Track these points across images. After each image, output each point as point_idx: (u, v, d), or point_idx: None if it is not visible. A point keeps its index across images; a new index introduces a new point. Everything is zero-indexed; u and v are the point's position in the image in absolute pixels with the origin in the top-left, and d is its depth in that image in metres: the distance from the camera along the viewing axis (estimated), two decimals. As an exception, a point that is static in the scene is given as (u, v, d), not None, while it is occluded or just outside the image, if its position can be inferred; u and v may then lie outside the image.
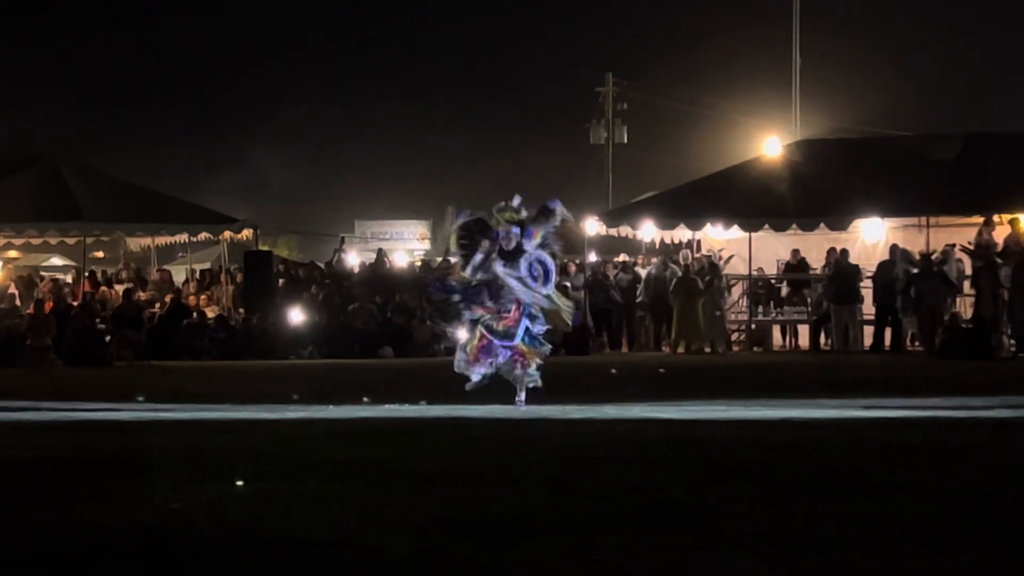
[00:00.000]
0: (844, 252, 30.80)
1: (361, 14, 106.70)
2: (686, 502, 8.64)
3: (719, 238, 33.64)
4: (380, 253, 37.74)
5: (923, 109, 69.40)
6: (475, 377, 15.60)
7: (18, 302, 31.32)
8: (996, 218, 29.94)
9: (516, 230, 15.32)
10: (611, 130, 59.72)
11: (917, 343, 30.38)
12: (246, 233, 35.16)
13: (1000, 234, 29.70)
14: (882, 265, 30.57)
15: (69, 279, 37.58)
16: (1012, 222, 29.85)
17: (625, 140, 60.51)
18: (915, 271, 29.48)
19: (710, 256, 32.85)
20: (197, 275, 36.85)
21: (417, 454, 11.25)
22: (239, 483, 9.31)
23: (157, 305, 33.16)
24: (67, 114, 75.89)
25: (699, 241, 34.04)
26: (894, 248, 30.66)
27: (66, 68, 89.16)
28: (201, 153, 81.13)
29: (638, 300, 32.85)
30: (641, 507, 8.48)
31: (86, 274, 34.96)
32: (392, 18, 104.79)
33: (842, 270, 30.62)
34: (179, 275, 38.12)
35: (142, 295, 33.15)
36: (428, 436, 12.84)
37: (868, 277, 30.96)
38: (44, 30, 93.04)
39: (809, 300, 32.35)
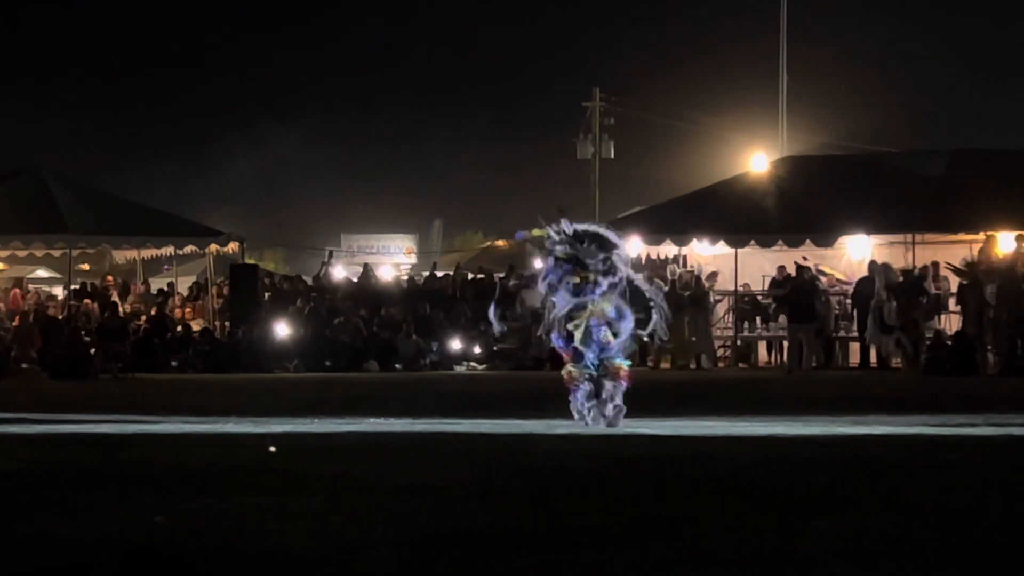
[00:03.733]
0: (799, 269, 30.65)
1: (345, 28, 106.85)
2: (670, 517, 8.63)
3: (705, 254, 33.65)
4: (367, 268, 37.77)
5: (910, 126, 69.66)
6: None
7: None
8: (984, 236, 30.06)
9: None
10: (598, 145, 59.74)
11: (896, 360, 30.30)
12: (232, 246, 35.16)
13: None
14: (861, 282, 30.54)
15: (56, 292, 37.55)
16: (988, 239, 29.93)
17: (612, 155, 60.54)
18: (897, 283, 29.39)
19: (694, 271, 32.85)
20: (173, 287, 36.84)
21: (401, 468, 11.23)
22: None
23: (143, 318, 33.12)
24: (52, 126, 75.81)
25: (685, 256, 34.04)
26: (873, 264, 30.65)
27: (50, 79, 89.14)
28: (186, 167, 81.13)
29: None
30: (625, 522, 8.47)
31: (75, 286, 34.95)
32: (378, 32, 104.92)
33: (799, 288, 30.37)
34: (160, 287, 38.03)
35: (128, 308, 33.13)
36: (413, 450, 12.82)
37: (852, 295, 31.02)
38: (29, 41, 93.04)
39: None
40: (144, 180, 65.34)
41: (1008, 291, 28.25)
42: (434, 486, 10.04)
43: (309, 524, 8.41)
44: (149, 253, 36.98)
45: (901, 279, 29.44)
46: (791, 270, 32.20)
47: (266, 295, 34.41)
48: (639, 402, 16.59)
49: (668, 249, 33.68)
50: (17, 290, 34.28)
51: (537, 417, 15.70)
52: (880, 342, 29.90)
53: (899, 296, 29.16)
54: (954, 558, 7.43)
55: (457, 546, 7.72)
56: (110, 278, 35.82)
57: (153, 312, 33.05)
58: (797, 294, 30.28)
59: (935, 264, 30.35)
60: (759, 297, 33.36)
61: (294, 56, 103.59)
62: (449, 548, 7.67)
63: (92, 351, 29.32)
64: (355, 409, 17.42)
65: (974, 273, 28.95)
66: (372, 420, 16.12)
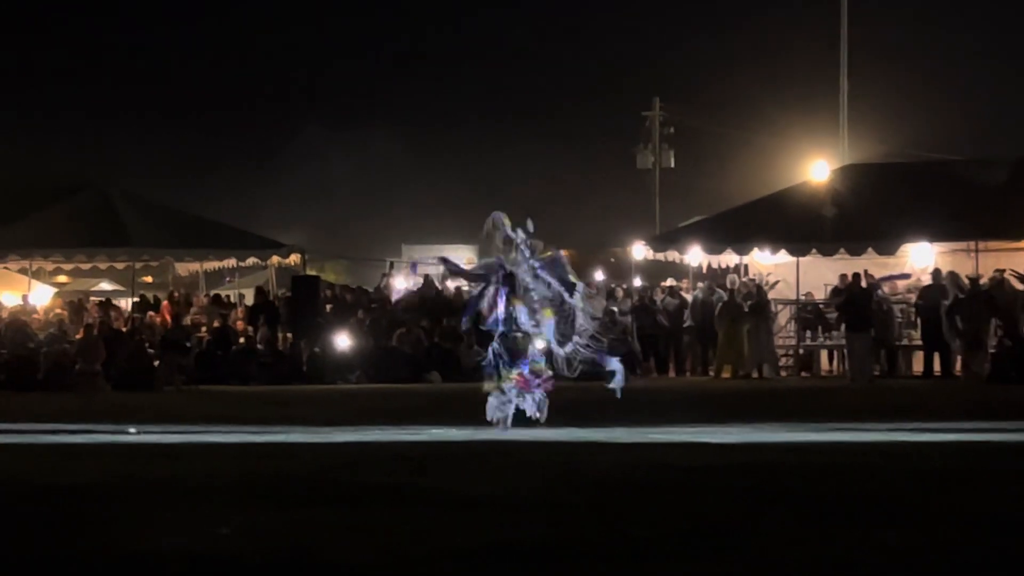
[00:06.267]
0: (856, 276, 30.29)
1: (407, 35, 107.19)
2: (732, 528, 8.61)
3: (766, 263, 33.52)
4: (428, 279, 37.78)
5: (972, 133, 69.09)
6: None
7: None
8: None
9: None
10: (658, 154, 59.52)
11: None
12: (294, 258, 35.31)
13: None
14: (925, 290, 30.35)
15: (123, 304, 37.77)
16: None
17: (672, 164, 60.34)
18: (961, 295, 29.16)
19: (755, 280, 32.72)
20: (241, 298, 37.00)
21: (464, 479, 11.25)
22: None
23: (204, 329, 33.28)
24: (114, 139, 76.37)
25: (746, 266, 33.94)
26: (937, 272, 30.42)
27: (111, 93, 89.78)
28: (248, 180, 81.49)
29: (685, 325, 32.77)
30: (687, 533, 8.46)
31: (136, 299, 35.18)
32: (438, 41, 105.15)
33: (855, 296, 30.01)
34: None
35: (189, 320, 33.29)
36: (475, 461, 12.83)
37: (916, 304, 30.83)
38: (88, 54, 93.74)
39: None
40: (205, 193, 65.73)
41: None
42: (496, 497, 10.05)
43: (372, 536, 8.44)
44: (211, 266, 37.21)
45: (968, 285, 29.18)
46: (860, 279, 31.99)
47: (327, 307, 34.49)
48: (702, 412, 16.59)
49: (729, 258, 33.59)
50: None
51: (598, 427, 15.69)
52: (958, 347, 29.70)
53: (966, 308, 28.86)
54: (1015, 571, 7.38)
55: (520, 558, 7.72)
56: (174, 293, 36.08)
57: (216, 324, 33.20)
58: (852, 302, 30.02)
59: (1001, 271, 30.09)
60: (821, 306, 33.18)
61: (355, 68, 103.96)
62: (512, 560, 7.68)
63: (156, 363, 29.48)
64: (417, 420, 17.44)
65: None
66: (434, 431, 16.15)
